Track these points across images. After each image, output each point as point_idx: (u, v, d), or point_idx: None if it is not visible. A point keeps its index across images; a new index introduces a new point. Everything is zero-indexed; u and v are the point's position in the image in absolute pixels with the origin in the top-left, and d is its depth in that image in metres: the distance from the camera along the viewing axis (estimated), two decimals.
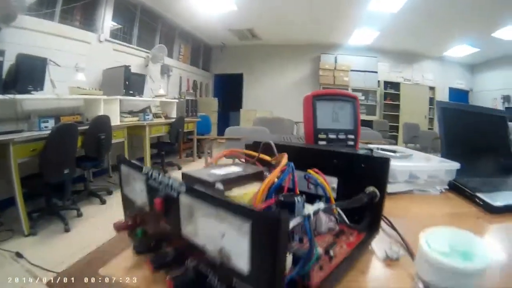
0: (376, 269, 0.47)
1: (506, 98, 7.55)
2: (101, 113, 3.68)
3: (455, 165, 0.91)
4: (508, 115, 1.21)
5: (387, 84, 8.66)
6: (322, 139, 0.81)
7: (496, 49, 7.09)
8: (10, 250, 2.29)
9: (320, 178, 0.52)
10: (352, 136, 0.84)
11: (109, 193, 3.72)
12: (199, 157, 6.47)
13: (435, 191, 0.94)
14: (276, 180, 0.45)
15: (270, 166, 0.55)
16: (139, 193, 0.43)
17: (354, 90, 8.21)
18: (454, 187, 0.94)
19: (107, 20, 4.79)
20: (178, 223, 0.34)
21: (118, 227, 0.46)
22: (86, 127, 3.21)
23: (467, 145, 1.08)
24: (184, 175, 0.47)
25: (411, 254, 0.50)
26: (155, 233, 0.41)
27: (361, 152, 0.66)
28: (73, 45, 4.10)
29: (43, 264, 2.09)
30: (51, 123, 3.07)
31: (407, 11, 5.33)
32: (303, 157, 0.55)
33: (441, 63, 8.87)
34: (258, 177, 0.51)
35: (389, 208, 0.56)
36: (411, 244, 0.52)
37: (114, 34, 5.00)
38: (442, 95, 8.84)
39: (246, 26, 6.96)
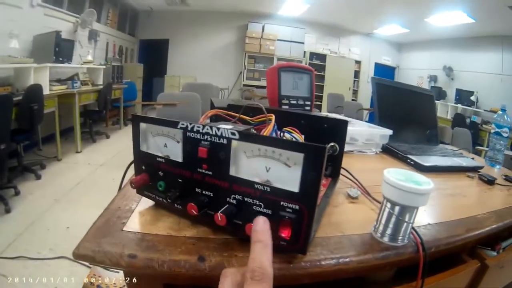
0: (344, 204, 0.65)
1: (432, 78, 8.54)
2: (31, 82, 3.45)
3: (388, 132, 1.14)
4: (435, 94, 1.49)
5: (313, 55, 9.11)
6: (285, 104, 0.96)
7: (426, 32, 7.74)
8: None
9: (297, 134, 0.67)
10: (308, 102, 1.00)
11: (43, 167, 3.53)
12: (126, 125, 6.31)
13: (371, 152, 1.17)
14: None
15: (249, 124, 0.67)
16: (162, 147, 0.48)
17: (279, 59, 8.61)
18: (387, 150, 1.17)
19: None
20: (227, 166, 0.42)
21: (137, 183, 0.51)
22: (19, 98, 3.02)
23: (398, 116, 1.33)
24: None
25: (366, 193, 0.68)
26: (188, 180, 0.47)
27: (323, 114, 0.83)
28: (4, 10, 3.72)
29: None
30: None
31: None
32: (277, 118, 0.65)
33: (369, 39, 9.59)
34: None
35: None
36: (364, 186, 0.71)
37: None
38: (368, 70, 9.70)
39: None
